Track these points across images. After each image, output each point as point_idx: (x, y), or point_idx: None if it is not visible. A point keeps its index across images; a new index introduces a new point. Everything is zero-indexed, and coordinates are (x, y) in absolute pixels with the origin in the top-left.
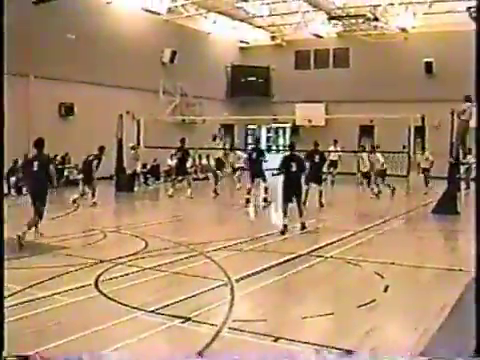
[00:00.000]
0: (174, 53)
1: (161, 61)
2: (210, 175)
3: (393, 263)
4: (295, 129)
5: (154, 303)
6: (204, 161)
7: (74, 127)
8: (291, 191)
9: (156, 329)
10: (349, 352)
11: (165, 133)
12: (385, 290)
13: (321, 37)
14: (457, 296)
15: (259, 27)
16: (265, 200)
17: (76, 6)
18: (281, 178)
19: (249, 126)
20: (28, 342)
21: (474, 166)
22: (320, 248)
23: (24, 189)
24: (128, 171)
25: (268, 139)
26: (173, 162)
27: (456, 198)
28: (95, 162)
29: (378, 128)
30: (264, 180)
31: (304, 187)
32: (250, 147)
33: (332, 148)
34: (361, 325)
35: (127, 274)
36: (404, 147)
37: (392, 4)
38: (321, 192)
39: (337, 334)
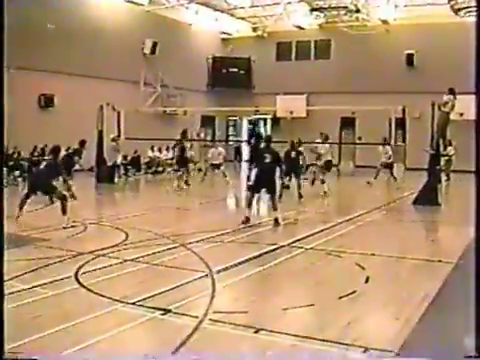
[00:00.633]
0: (155, 44)
1: (142, 52)
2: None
3: (374, 254)
4: (276, 120)
5: (135, 295)
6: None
7: (54, 118)
8: (261, 182)
9: (137, 321)
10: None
11: (146, 124)
12: (366, 281)
13: (303, 29)
14: (438, 286)
15: (241, 18)
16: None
17: None
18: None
19: (230, 117)
20: (9, 336)
21: (454, 158)
22: (301, 239)
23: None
24: (109, 163)
25: (250, 131)
26: (169, 154)
27: (437, 189)
28: (75, 158)
29: (359, 120)
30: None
31: (285, 179)
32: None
33: (319, 140)
34: (342, 316)
35: (108, 266)
36: (385, 139)
37: None
38: (300, 184)
39: (318, 325)
